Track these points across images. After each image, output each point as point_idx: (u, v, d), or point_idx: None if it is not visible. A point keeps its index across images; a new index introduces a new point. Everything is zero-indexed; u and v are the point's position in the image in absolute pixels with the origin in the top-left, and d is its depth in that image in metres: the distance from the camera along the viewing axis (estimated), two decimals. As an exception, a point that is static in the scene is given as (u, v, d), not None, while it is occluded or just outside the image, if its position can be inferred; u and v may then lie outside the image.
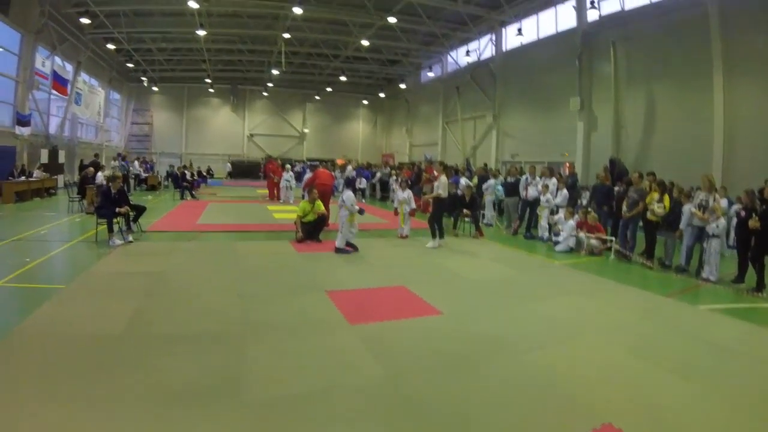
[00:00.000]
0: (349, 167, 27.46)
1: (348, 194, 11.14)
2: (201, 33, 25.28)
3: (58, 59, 24.10)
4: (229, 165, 40.68)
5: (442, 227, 12.29)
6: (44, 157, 22.02)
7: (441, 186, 11.94)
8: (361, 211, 11.21)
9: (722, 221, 9.23)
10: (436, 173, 12.57)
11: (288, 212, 16.31)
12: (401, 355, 5.17)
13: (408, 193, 13.09)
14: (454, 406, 4.09)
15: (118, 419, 3.69)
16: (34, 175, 19.31)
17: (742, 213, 8.94)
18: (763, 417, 4.09)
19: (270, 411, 3.93)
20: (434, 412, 3.98)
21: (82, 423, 3.62)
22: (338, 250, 10.71)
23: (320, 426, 3.74)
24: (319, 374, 4.64)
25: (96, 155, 25.07)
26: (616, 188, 12.61)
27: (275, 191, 22.99)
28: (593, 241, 11.64)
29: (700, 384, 4.70)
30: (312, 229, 12.02)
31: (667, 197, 10.56)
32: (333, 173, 20.10)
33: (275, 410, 3.95)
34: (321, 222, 12.28)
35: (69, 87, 25.03)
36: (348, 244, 10.86)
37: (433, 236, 11.90)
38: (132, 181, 24.42)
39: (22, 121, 20.44)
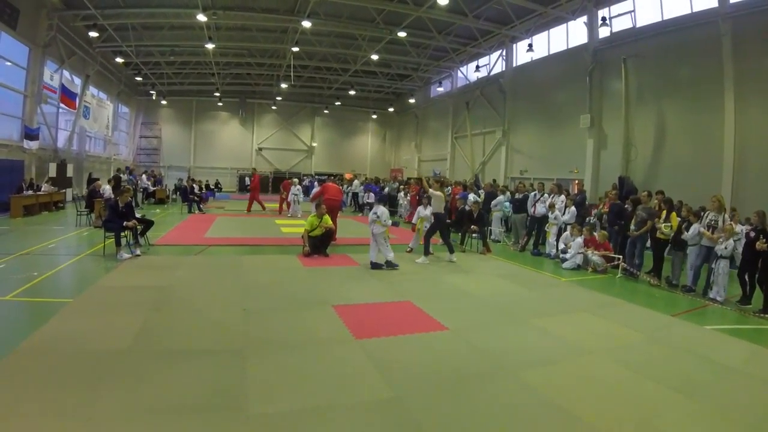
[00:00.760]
0: (356, 182, 27.45)
1: (382, 209, 11.15)
2: (209, 46, 25.47)
3: (66, 73, 24.15)
4: (248, 179, 40.68)
5: (450, 243, 12.31)
6: (52, 170, 21.95)
7: (433, 199, 12.14)
8: (396, 223, 11.22)
9: (731, 242, 9.16)
10: (432, 189, 12.54)
11: (296, 226, 16.31)
12: (406, 372, 5.17)
13: (429, 210, 12.92)
14: (460, 428, 4.07)
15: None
16: (42, 188, 19.29)
17: (752, 234, 8.86)
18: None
19: (271, 427, 3.94)
20: (438, 432, 3.95)
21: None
22: (389, 264, 10.77)
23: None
24: (322, 390, 4.65)
25: (118, 170, 25.24)
26: (626, 206, 12.56)
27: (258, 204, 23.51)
28: (596, 258, 11.59)
29: (704, 403, 4.71)
30: (319, 244, 12.02)
31: (674, 216, 10.51)
32: (341, 187, 20.03)
33: (276, 426, 3.95)
34: (328, 236, 12.30)
35: (77, 101, 25.04)
36: (373, 264, 10.81)
37: (425, 253, 11.98)
38: (140, 195, 24.50)
39: (30, 135, 20.43)
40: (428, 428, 4.02)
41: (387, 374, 5.06)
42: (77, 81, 25.74)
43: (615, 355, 5.91)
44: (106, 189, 17.00)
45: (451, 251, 12.11)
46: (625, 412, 4.43)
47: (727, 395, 4.89)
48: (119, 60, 29.41)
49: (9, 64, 19.67)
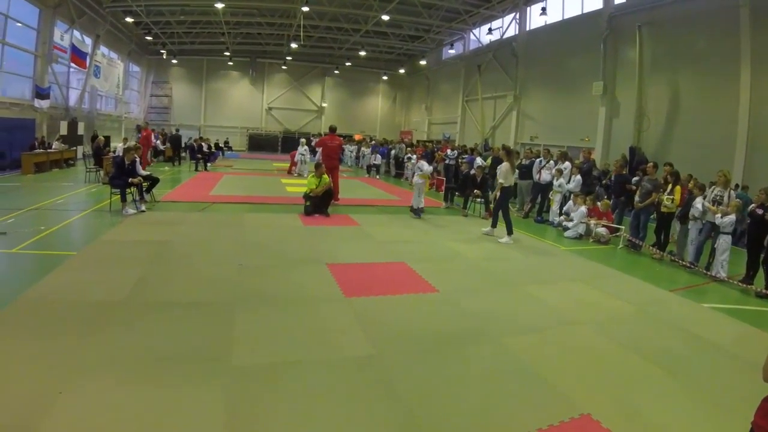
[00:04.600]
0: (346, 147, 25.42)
1: (424, 164, 12.34)
2: (219, 5, 25.07)
3: (76, 33, 24.01)
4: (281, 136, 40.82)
5: (509, 218, 11.12)
6: (63, 128, 22.12)
7: (502, 174, 10.99)
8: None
9: (731, 217, 8.95)
10: (502, 159, 11.79)
11: (301, 185, 16.34)
12: (389, 331, 5.27)
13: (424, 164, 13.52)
14: (433, 389, 4.15)
15: (108, 379, 3.88)
16: (53, 146, 19.48)
17: (758, 211, 8.63)
18: (743, 419, 4.05)
19: (249, 378, 4.07)
20: (411, 394, 4.04)
21: (76, 383, 3.79)
22: (414, 210, 12.10)
23: (293, 397, 3.85)
24: (304, 345, 4.78)
25: (177, 129, 26.53)
26: (635, 178, 12.43)
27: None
28: (599, 230, 11.56)
29: (686, 382, 4.66)
30: (320, 203, 12.13)
31: (678, 189, 10.32)
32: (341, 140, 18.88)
33: (254, 377, 4.09)
34: (329, 196, 12.41)
35: (88, 60, 25.07)
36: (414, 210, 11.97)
37: (493, 225, 11.24)
38: (149, 153, 24.47)
39: (41, 94, 20.57)
40: (399, 386, 4.12)
41: (370, 332, 5.17)
42: (87, 41, 25.62)
43: (602, 327, 5.90)
44: (118, 147, 17.12)
45: (496, 225, 11.23)
46: (602, 385, 4.43)
47: (709, 375, 4.86)
48: (129, 19, 29.03)
49: (20, 25, 19.67)
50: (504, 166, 11.04)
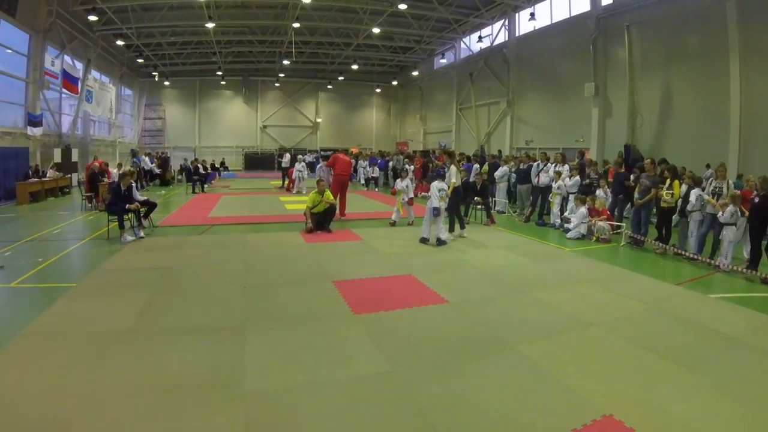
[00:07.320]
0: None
1: (443, 185, 11.24)
2: (210, 25, 25.17)
3: (67, 58, 23.98)
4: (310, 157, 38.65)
5: (462, 217, 12.11)
6: (57, 156, 21.97)
7: (452, 175, 11.62)
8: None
9: (730, 208, 9.02)
10: (447, 162, 12.36)
11: (300, 203, 16.31)
12: (403, 346, 5.20)
13: (407, 183, 13.40)
14: (454, 401, 4.08)
15: (119, 410, 3.81)
16: (48, 174, 19.39)
17: (756, 200, 8.70)
18: (766, 411, 4.01)
19: (265, 403, 4.00)
20: (434, 408, 3.97)
21: (87, 415, 3.73)
22: (440, 242, 10.67)
23: (315, 419, 3.78)
24: (318, 366, 4.70)
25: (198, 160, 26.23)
26: (632, 176, 12.44)
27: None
28: (600, 224, 11.53)
29: (705, 376, 4.63)
30: (322, 220, 12.05)
31: (677, 184, 10.39)
32: (351, 160, 19.52)
33: (271, 402, 4.01)
34: (331, 212, 12.30)
35: (79, 85, 24.96)
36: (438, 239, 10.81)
37: (451, 229, 11.76)
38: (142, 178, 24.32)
39: (33, 121, 20.39)
40: (423, 402, 4.04)
41: (384, 348, 5.10)
42: (79, 65, 25.59)
43: (616, 327, 5.85)
44: (114, 173, 17.00)
45: (455, 229, 11.82)
46: (622, 385, 4.39)
47: (728, 367, 4.81)
48: (120, 42, 29.15)
49: (10, 51, 19.56)
50: (453, 169, 11.59)
